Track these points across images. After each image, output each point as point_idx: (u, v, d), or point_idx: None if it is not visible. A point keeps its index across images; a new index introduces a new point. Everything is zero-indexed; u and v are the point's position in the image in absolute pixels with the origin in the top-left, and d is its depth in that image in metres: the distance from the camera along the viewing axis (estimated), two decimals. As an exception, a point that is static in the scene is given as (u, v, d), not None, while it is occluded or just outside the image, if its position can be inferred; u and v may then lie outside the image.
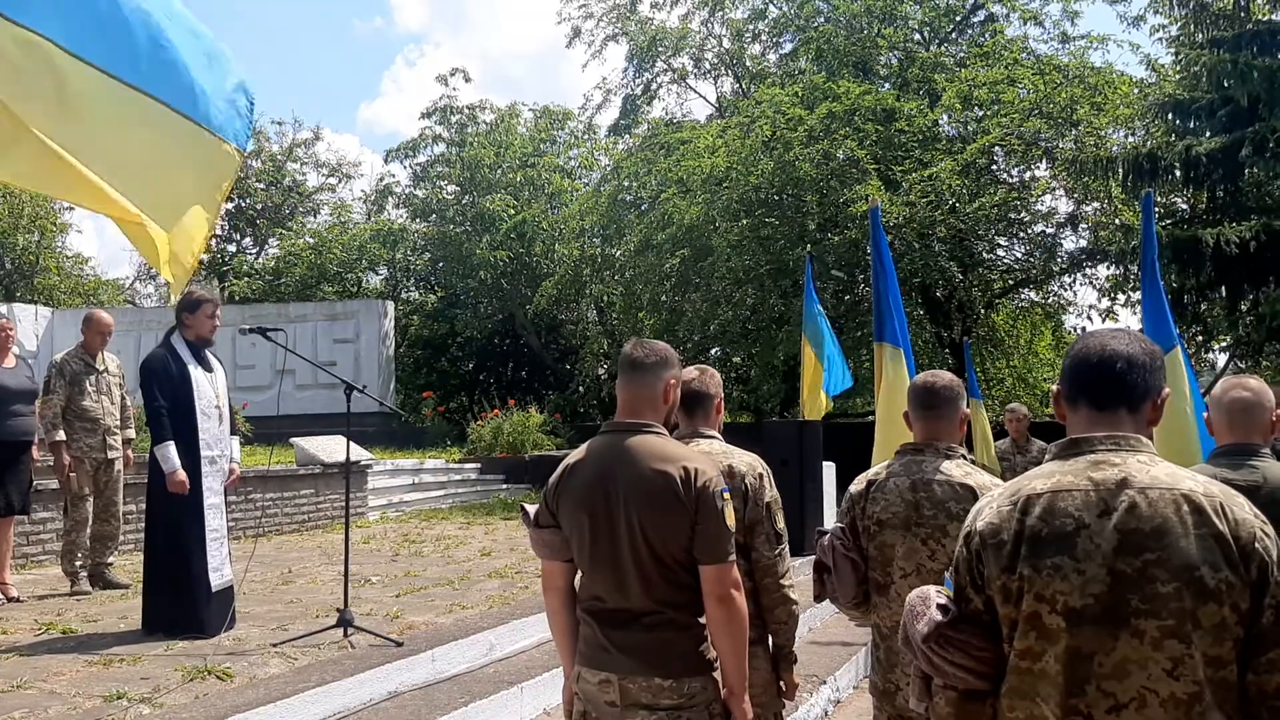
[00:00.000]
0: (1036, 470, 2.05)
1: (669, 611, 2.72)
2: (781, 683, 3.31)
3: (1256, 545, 1.85)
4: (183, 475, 5.93)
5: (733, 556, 2.73)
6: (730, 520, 2.73)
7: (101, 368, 7.66)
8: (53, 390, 7.43)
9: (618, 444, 2.81)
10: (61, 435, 7.37)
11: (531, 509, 2.96)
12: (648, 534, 2.71)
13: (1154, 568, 1.85)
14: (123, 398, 7.82)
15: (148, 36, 3.96)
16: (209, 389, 6.17)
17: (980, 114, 18.70)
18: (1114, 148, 16.38)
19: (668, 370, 2.93)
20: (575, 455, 2.90)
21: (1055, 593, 1.90)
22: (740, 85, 25.62)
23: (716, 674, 2.76)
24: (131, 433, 7.91)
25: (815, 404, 9.54)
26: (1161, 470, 1.94)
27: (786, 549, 3.29)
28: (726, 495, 2.74)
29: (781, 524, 3.31)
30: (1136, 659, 1.84)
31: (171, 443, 5.96)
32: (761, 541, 3.24)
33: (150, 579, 6.08)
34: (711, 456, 3.32)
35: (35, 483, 7.67)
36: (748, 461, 3.34)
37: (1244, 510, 1.89)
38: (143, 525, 7.90)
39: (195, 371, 6.11)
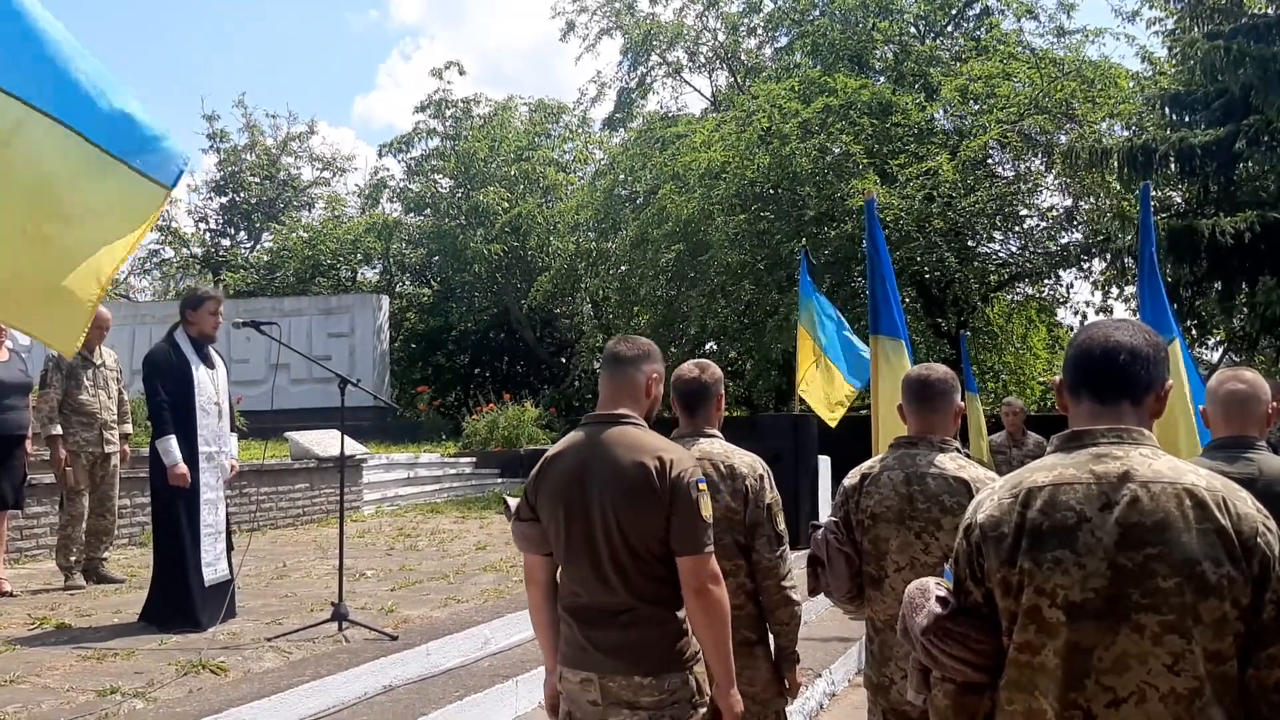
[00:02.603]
0: (1038, 463, 2.04)
1: (645, 607, 2.70)
2: (785, 681, 3.30)
3: (1258, 540, 1.84)
4: (184, 469, 5.93)
5: (709, 548, 2.69)
6: (706, 511, 2.70)
7: (99, 362, 7.63)
8: (49, 384, 7.40)
9: (595, 436, 2.81)
10: (58, 430, 7.33)
11: (514, 502, 2.96)
12: (623, 526, 2.69)
13: (1155, 562, 1.84)
14: (120, 392, 7.79)
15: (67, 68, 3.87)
16: (210, 385, 6.18)
17: (976, 108, 18.70)
18: (1109, 141, 16.39)
19: (649, 364, 2.92)
20: (555, 448, 2.89)
21: (1055, 586, 1.88)
22: (735, 79, 25.58)
23: (699, 668, 2.75)
24: (129, 427, 7.88)
25: (830, 411, 9.44)
26: (1164, 464, 1.93)
27: (788, 550, 3.28)
28: (702, 486, 2.72)
29: (782, 525, 3.29)
30: (1136, 653, 1.83)
31: (173, 436, 5.96)
32: (763, 543, 3.22)
33: (153, 572, 6.12)
34: (710, 453, 3.30)
35: (30, 477, 7.64)
36: (748, 462, 3.32)
37: (1246, 505, 1.88)
38: (138, 520, 7.88)
39: (197, 368, 6.12)
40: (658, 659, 2.69)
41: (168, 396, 6.02)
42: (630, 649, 2.69)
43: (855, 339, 9.88)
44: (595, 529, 2.72)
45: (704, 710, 2.75)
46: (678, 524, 2.68)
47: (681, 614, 2.74)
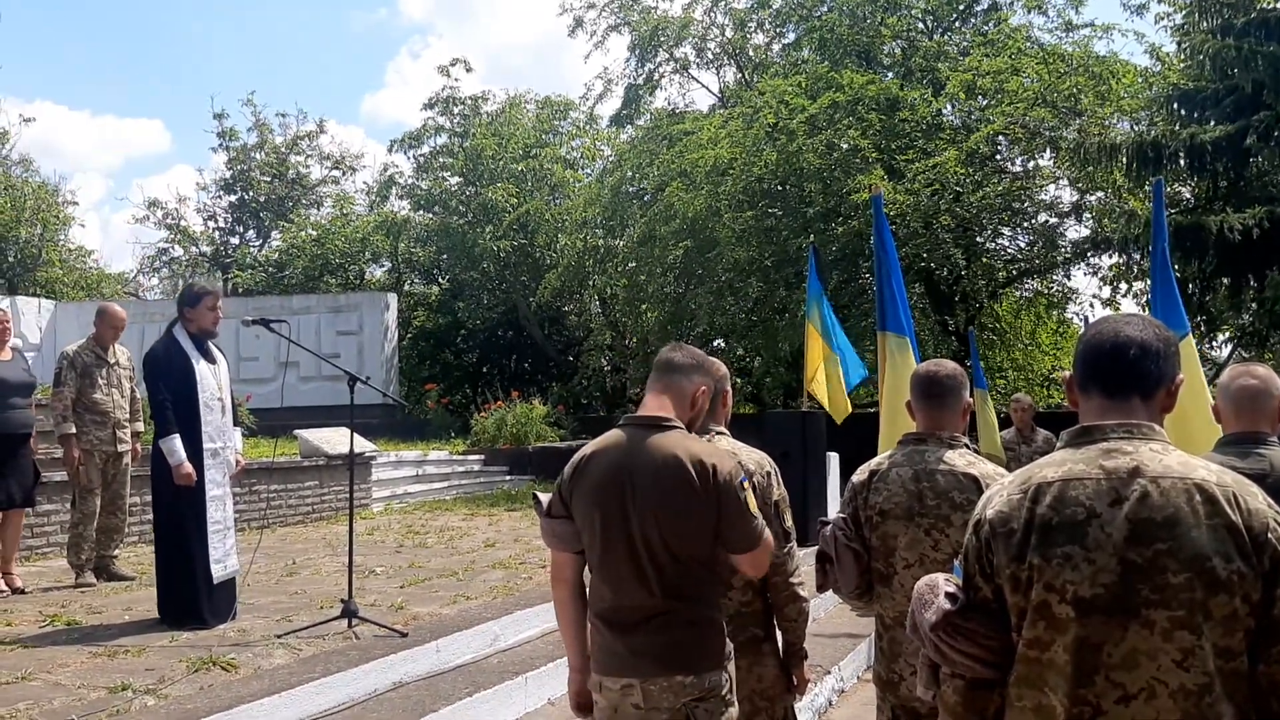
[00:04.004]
0: (1047, 458, 2.03)
1: (683, 607, 2.71)
2: (793, 678, 3.30)
3: (1269, 536, 1.83)
4: (189, 468, 5.92)
5: (764, 536, 2.78)
6: (754, 507, 2.76)
7: (112, 360, 7.65)
8: (63, 382, 7.41)
9: (636, 438, 2.79)
10: (71, 428, 7.35)
11: (544, 497, 2.93)
12: (665, 530, 2.69)
13: (1165, 558, 1.83)
14: (132, 390, 7.80)
15: None
16: (212, 381, 6.16)
17: (984, 103, 18.66)
18: (1118, 136, 16.33)
19: (700, 375, 2.93)
20: (592, 446, 2.87)
21: (1065, 582, 1.88)
22: (743, 75, 25.55)
23: (732, 666, 2.78)
24: (141, 425, 7.89)
25: (837, 404, 9.42)
26: (1174, 459, 1.92)
27: (795, 547, 3.28)
28: (746, 484, 2.75)
29: (789, 522, 3.28)
30: (1146, 650, 1.83)
31: (177, 435, 5.95)
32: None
33: (157, 570, 6.12)
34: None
35: (42, 475, 7.65)
36: (755, 460, 3.31)
37: (1257, 500, 1.87)
38: (148, 518, 7.91)
39: (198, 364, 6.10)
40: (697, 657, 2.71)
41: (170, 394, 6.00)
42: (669, 650, 2.70)
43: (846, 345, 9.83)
44: (634, 532, 2.71)
45: (734, 710, 2.76)
46: (729, 527, 2.72)
47: (714, 612, 2.76)
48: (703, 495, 2.68)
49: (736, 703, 2.78)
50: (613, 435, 2.85)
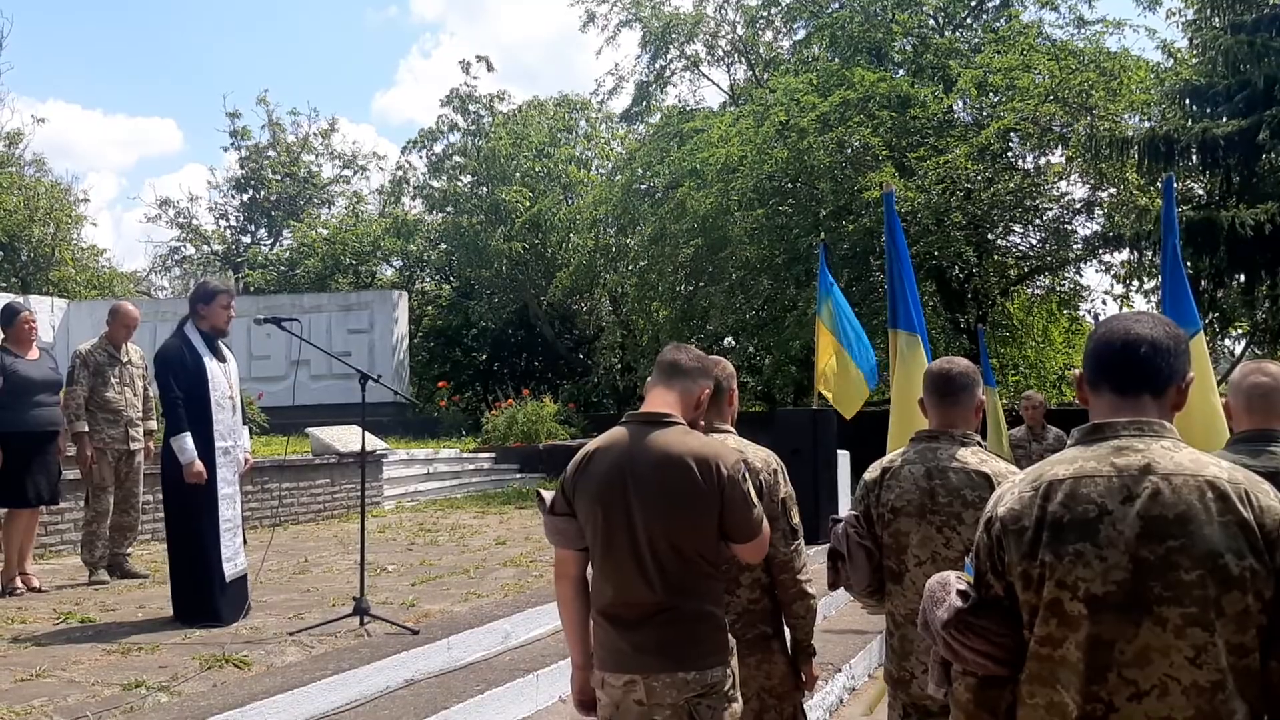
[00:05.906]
0: (1058, 456, 2.03)
1: (683, 604, 2.71)
2: (801, 675, 3.30)
3: None
4: (200, 466, 5.92)
5: (765, 523, 2.83)
6: (754, 496, 2.79)
7: (125, 359, 7.68)
8: (76, 381, 7.44)
9: (638, 435, 2.80)
10: (84, 426, 7.38)
11: (548, 495, 2.94)
12: (668, 528, 2.70)
13: (1177, 555, 1.83)
14: (145, 389, 7.83)
15: None
16: (223, 379, 6.17)
17: (995, 100, 18.62)
18: (1129, 131, 16.27)
19: (704, 378, 2.95)
20: (595, 443, 2.88)
21: (1077, 579, 1.87)
22: (754, 72, 25.54)
23: (733, 660, 2.78)
24: (154, 424, 7.91)
25: (848, 398, 9.39)
26: (1185, 456, 1.91)
27: (803, 544, 3.28)
28: (744, 475, 2.77)
29: (797, 519, 3.28)
30: (1158, 647, 1.82)
31: (188, 434, 5.95)
32: (778, 538, 3.21)
33: (170, 568, 6.14)
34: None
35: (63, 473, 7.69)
36: (762, 457, 3.31)
37: (1269, 497, 1.87)
38: (160, 515, 7.94)
39: (210, 362, 6.10)
40: (700, 653, 2.71)
41: (182, 392, 6.00)
42: (672, 646, 2.70)
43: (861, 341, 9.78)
44: (637, 529, 2.71)
45: (737, 706, 2.76)
46: (732, 518, 2.75)
47: (716, 608, 2.76)
48: (706, 490, 2.69)
49: (740, 698, 2.78)
50: (615, 432, 2.86)
